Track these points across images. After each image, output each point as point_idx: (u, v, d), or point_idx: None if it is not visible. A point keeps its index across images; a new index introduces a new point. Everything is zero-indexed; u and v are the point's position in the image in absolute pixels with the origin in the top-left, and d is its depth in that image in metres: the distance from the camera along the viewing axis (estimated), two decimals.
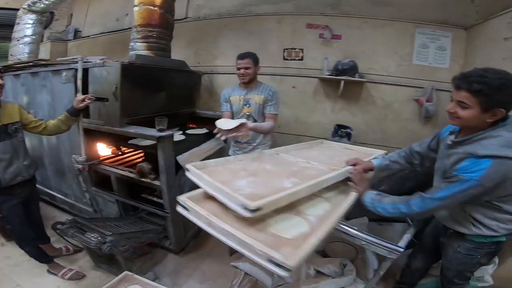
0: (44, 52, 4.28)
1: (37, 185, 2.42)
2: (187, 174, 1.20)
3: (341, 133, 2.71)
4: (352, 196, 1.19)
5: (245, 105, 1.92)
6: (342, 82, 2.75)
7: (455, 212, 1.19)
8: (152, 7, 2.36)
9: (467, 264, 1.24)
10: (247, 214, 0.83)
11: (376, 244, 1.20)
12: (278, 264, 0.69)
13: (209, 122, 2.67)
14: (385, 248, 1.19)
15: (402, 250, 1.18)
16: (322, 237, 0.85)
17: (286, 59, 3.17)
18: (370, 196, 1.19)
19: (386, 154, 1.56)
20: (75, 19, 4.86)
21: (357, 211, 2.44)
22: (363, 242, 1.23)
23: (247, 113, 1.92)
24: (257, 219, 0.88)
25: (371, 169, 1.44)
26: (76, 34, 4.63)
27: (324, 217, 1.01)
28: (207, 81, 3.49)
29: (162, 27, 2.44)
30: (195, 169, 1.18)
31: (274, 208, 0.91)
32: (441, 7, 2.82)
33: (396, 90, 2.84)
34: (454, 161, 1.04)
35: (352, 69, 2.73)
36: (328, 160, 1.55)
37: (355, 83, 2.84)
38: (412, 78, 2.81)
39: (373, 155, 1.63)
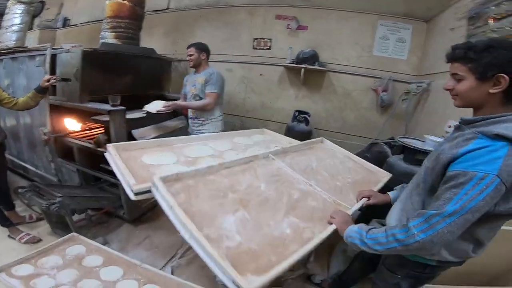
0: (33, 39, 4.78)
1: (14, 159, 2.89)
2: (155, 194, 1.00)
3: (300, 118, 3.02)
4: (330, 229, 1.09)
5: (193, 86, 2.31)
6: (302, 70, 3.08)
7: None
8: (121, 1, 2.77)
9: (386, 283, 1.14)
10: None
11: None
12: (130, 189, 1.03)
13: None
14: None
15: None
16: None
17: (255, 48, 3.52)
18: (356, 228, 1.02)
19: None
20: (66, 8, 5.36)
21: None
22: None
23: (193, 93, 2.31)
24: None
25: (387, 204, 1.28)
26: (65, 22, 5.13)
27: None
28: (183, 68, 3.87)
29: (130, 18, 2.84)
30: (166, 190, 0.96)
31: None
32: None
33: (356, 79, 3.14)
34: (455, 144, 0.85)
35: (312, 58, 3.04)
36: (330, 180, 1.51)
37: (317, 72, 3.15)
38: (371, 69, 3.09)
39: (376, 173, 1.71)
